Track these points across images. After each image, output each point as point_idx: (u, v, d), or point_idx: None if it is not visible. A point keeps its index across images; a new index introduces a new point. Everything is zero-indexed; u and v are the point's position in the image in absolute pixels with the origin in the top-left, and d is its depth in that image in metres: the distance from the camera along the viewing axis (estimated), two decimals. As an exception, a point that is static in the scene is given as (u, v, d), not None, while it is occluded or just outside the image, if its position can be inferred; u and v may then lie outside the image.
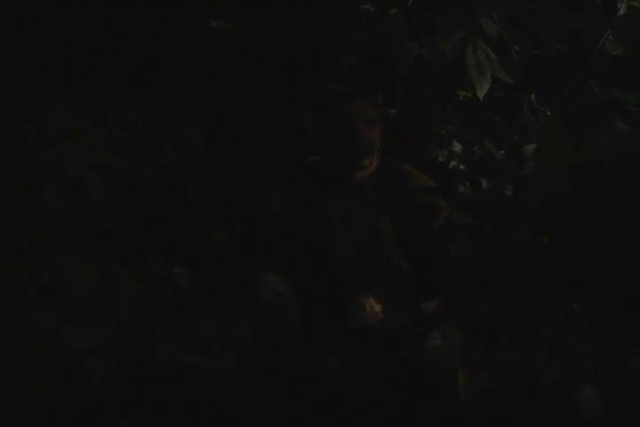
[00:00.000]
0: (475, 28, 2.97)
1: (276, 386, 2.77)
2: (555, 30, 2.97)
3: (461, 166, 3.26)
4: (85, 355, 2.97)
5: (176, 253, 3.30)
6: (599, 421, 2.51)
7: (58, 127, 3.32)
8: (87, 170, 3.33)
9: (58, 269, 3.20)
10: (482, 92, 3.01)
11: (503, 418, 2.60)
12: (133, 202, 3.36)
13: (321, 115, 2.94)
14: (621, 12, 2.83)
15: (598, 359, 2.55)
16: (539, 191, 2.58)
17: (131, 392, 2.89)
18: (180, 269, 3.21)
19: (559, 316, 2.60)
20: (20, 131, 3.32)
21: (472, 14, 2.95)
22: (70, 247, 3.23)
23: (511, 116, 3.30)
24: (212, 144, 3.47)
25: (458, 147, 3.28)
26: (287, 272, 2.82)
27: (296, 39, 3.40)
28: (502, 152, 3.25)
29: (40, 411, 2.82)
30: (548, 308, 2.61)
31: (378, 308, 2.80)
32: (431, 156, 3.24)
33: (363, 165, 2.88)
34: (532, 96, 3.18)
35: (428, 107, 3.25)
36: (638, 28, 2.85)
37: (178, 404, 2.84)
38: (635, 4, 2.97)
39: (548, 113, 3.11)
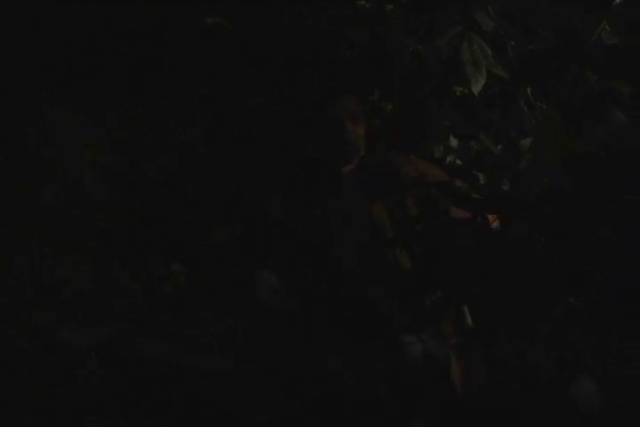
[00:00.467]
0: (471, 23, 2.99)
1: (276, 386, 2.77)
2: (550, 24, 2.98)
3: (458, 162, 3.27)
4: (85, 355, 2.97)
5: (176, 253, 3.30)
6: (598, 415, 2.49)
7: (58, 127, 3.33)
8: (87, 170, 3.34)
9: (58, 269, 3.21)
10: (477, 88, 3.02)
11: (501, 413, 2.58)
12: (133, 202, 3.36)
13: (311, 112, 3.00)
14: (617, 1, 2.83)
15: (597, 354, 2.54)
16: (535, 186, 2.57)
17: (131, 392, 2.89)
18: (179, 266, 3.22)
19: (557, 310, 2.59)
20: (20, 131, 3.34)
21: (468, 9, 2.96)
22: (70, 247, 3.24)
23: (507, 111, 3.31)
24: (212, 144, 3.47)
25: (454, 142, 3.29)
26: (287, 272, 2.83)
27: (296, 39, 3.42)
28: (499, 147, 3.26)
29: (40, 411, 2.82)
30: (545, 302, 2.60)
31: None
32: (428, 151, 3.26)
33: (349, 160, 2.93)
34: (529, 91, 3.18)
35: (425, 103, 3.26)
36: (635, 15, 2.84)
37: (178, 404, 2.84)
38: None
39: (545, 107, 3.11)
